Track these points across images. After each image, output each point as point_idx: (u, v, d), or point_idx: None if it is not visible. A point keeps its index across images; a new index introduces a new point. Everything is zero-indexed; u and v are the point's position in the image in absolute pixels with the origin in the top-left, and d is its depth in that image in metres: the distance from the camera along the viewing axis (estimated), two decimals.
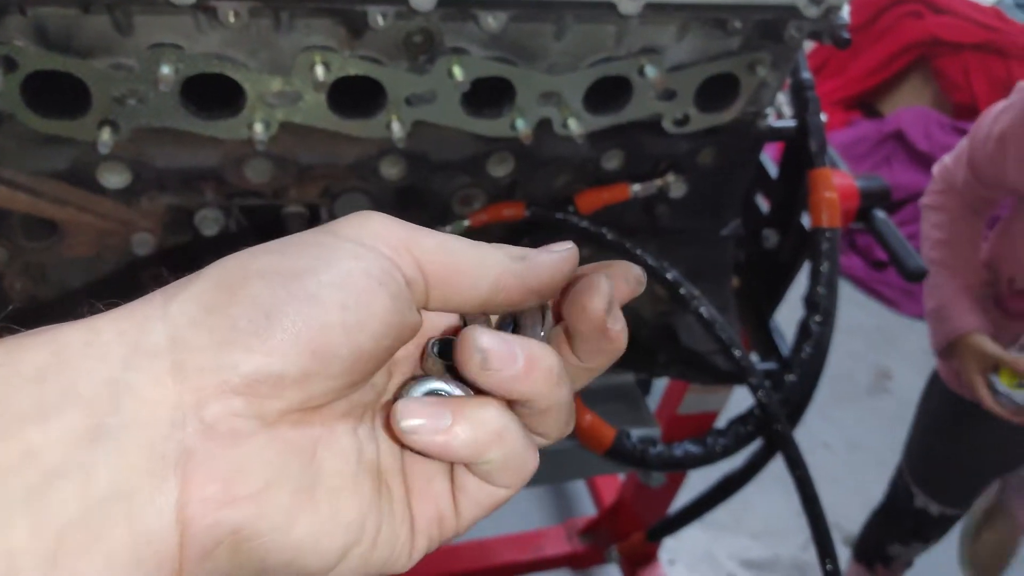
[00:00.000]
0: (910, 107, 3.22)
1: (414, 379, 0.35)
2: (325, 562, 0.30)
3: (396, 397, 0.34)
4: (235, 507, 0.28)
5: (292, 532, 0.29)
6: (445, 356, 0.35)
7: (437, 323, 0.38)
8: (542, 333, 0.36)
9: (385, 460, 0.33)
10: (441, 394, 0.34)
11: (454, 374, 0.34)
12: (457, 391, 0.34)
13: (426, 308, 0.34)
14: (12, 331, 0.28)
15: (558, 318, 0.38)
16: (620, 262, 0.38)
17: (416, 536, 0.33)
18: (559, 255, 0.36)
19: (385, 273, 0.31)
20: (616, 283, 0.37)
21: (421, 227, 0.33)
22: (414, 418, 0.30)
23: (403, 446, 0.33)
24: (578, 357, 0.36)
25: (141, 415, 0.27)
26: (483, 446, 0.31)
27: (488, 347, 0.31)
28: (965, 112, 3.19)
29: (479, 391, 0.33)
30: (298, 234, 0.32)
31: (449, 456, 0.31)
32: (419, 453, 0.32)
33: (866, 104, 3.44)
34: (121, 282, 0.80)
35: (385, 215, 0.33)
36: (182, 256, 0.80)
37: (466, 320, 0.37)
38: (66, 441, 0.26)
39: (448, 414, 0.31)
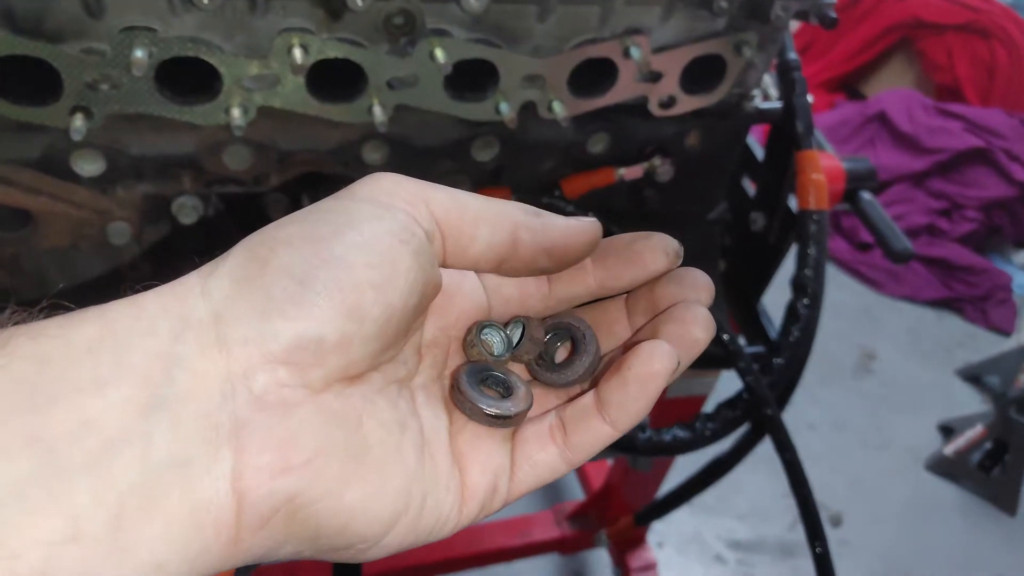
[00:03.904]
0: (893, 89, 3.22)
1: (467, 367, 0.37)
2: (375, 529, 0.31)
3: (453, 382, 0.36)
4: (289, 475, 0.29)
5: (344, 499, 0.30)
6: (492, 348, 0.38)
7: (463, 310, 0.39)
8: (592, 354, 0.38)
9: (429, 434, 0.35)
10: (497, 378, 0.37)
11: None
12: (511, 378, 0.37)
13: (444, 264, 0.35)
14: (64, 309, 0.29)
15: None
16: (658, 235, 0.39)
17: (466, 504, 0.35)
18: (576, 221, 0.37)
19: (405, 230, 0.32)
20: (655, 255, 0.38)
21: (431, 183, 0.34)
22: None
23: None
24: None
25: (193, 387, 0.28)
26: None
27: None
28: (948, 94, 3.20)
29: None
30: (316, 203, 0.33)
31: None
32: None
33: (849, 86, 3.44)
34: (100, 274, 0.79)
35: (395, 173, 0.34)
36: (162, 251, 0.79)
37: (521, 322, 0.39)
38: (123, 411, 0.26)
39: None
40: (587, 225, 0.37)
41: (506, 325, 0.39)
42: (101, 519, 0.25)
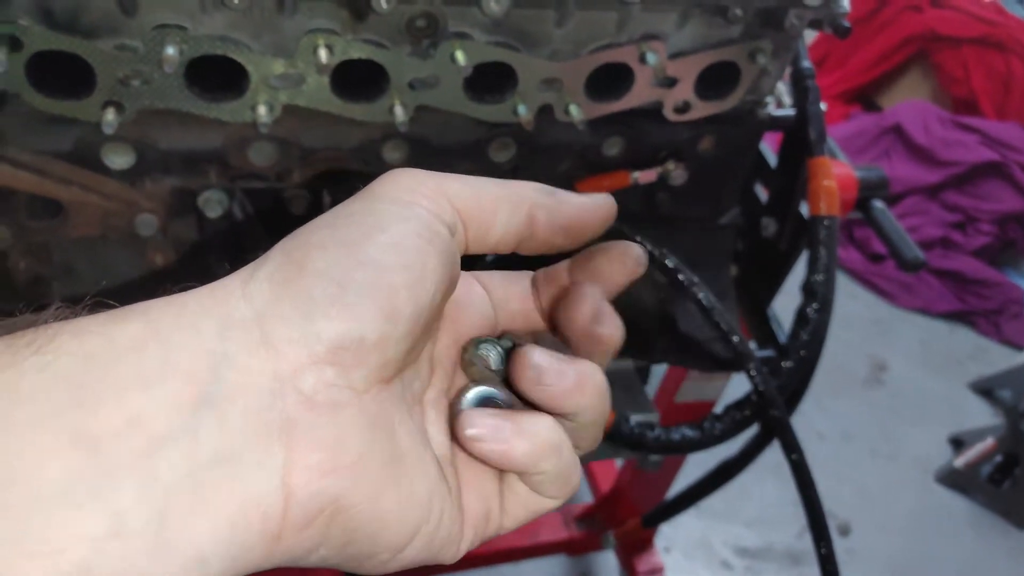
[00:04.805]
0: (909, 101, 3.22)
1: (467, 386, 0.37)
2: (401, 538, 0.31)
3: (453, 402, 0.36)
4: (337, 476, 0.29)
5: (379, 504, 0.30)
6: (488, 361, 0.37)
7: (473, 324, 0.39)
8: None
9: (439, 452, 0.35)
10: (497, 402, 0.36)
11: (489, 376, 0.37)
12: (507, 398, 0.37)
13: (466, 251, 0.36)
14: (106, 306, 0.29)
15: (553, 326, 0.40)
16: (619, 243, 0.39)
17: (465, 529, 0.35)
18: (588, 197, 0.38)
19: (429, 229, 0.32)
20: (615, 264, 0.39)
21: (446, 173, 0.35)
22: (477, 428, 0.33)
23: (466, 451, 0.35)
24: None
25: (242, 384, 0.28)
26: (538, 458, 0.33)
27: (541, 364, 0.34)
28: (964, 107, 3.20)
29: (527, 401, 0.36)
30: (341, 205, 0.33)
31: (507, 465, 0.34)
32: (480, 460, 0.34)
33: (865, 98, 3.44)
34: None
35: (412, 169, 0.35)
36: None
37: (511, 338, 0.39)
38: (169, 408, 0.26)
39: (508, 426, 0.33)
40: (600, 201, 0.38)
41: (499, 339, 0.39)
42: (145, 515, 0.25)
